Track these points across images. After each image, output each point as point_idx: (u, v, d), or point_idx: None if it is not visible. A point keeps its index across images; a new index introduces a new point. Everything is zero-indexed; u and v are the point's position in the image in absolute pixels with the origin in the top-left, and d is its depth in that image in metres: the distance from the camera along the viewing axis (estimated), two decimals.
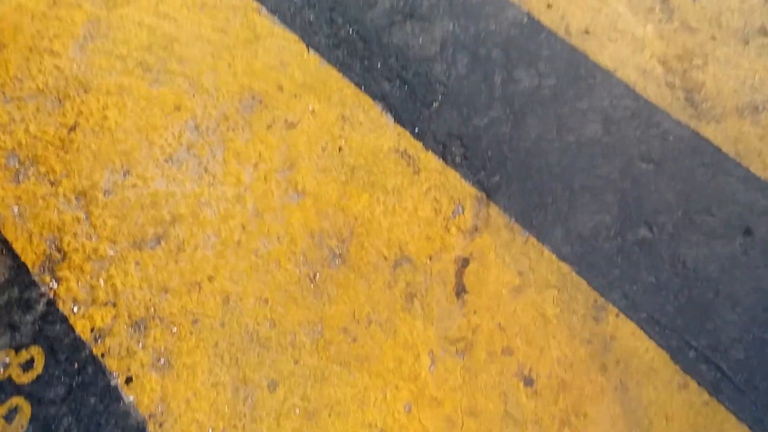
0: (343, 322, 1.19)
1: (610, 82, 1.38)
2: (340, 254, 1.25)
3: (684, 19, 1.44)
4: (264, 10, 1.53)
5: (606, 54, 1.41)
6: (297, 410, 1.11)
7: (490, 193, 1.29)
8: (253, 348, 1.16)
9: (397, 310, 1.20)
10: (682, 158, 1.30)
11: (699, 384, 1.11)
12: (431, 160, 1.33)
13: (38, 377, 1.13)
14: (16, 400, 1.11)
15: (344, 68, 1.45)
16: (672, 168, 1.29)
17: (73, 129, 1.39)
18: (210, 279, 1.23)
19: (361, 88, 1.42)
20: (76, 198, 1.31)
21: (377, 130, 1.37)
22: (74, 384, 1.13)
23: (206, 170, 1.34)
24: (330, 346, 1.17)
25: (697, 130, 1.32)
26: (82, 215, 1.30)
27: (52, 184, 1.32)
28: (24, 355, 1.15)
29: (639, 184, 1.28)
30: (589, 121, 1.34)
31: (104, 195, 1.31)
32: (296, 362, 1.15)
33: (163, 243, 1.27)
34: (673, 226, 1.24)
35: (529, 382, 1.12)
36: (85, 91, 1.43)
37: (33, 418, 1.10)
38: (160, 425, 1.09)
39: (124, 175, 1.33)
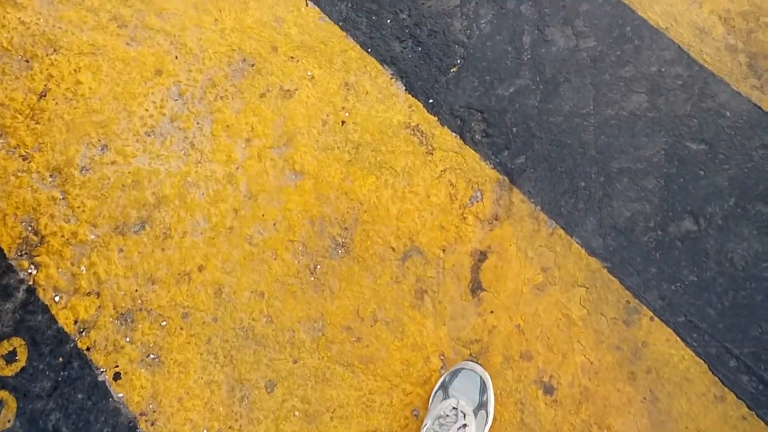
0: (346, 319, 1.30)
1: (660, 43, 1.41)
2: (342, 244, 1.35)
3: None
4: None
5: (657, 9, 1.44)
6: (296, 412, 1.24)
7: (513, 176, 1.37)
8: (248, 345, 1.29)
9: (406, 307, 1.31)
10: (740, 138, 1.34)
11: (738, 396, 1.21)
12: (447, 138, 1.40)
13: (22, 370, 1.28)
14: (1, 394, 1.27)
15: (348, 25, 1.50)
16: (727, 149, 1.34)
17: (43, 95, 1.48)
18: (200, 269, 1.35)
19: (367, 50, 1.47)
20: (50, 175, 1.42)
21: (386, 101, 1.44)
22: (60, 379, 1.28)
23: (193, 145, 1.43)
24: (332, 345, 1.29)
25: (760, 103, 1.36)
26: (58, 195, 1.41)
27: (24, 159, 1.43)
28: (6, 346, 1.30)
29: (686, 168, 1.34)
30: (632, 91, 1.39)
31: (81, 172, 1.42)
32: (295, 362, 1.28)
33: (147, 228, 1.38)
34: (723, 217, 1.30)
35: (548, 389, 1.24)
36: (55, 51, 1.51)
37: (19, 413, 1.26)
38: (152, 424, 1.24)
39: (102, 150, 1.43)
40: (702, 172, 1.33)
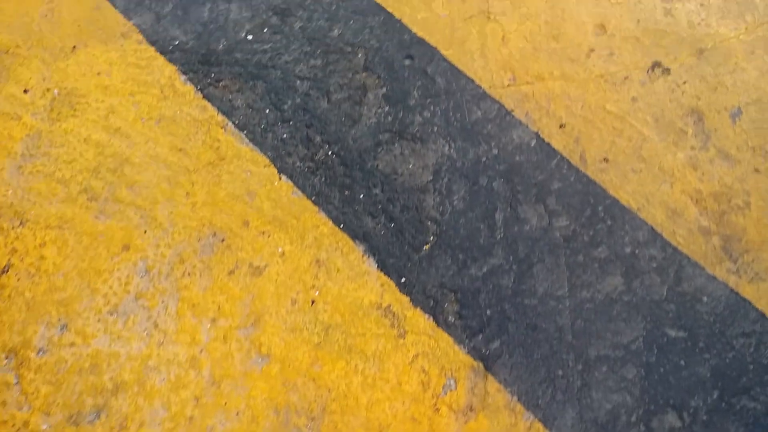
0: None
1: (633, 224, 1.58)
2: None
3: (722, 146, 1.65)
4: (230, 125, 1.77)
5: (628, 188, 1.62)
6: None
7: (488, 362, 1.48)
8: None
9: None
10: (719, 325, 1.47)
11: None
12: (419, 320, 1.52)
13: None
14: None
15: (321, 199, 1.67)
16: (706, 337, 1.46)
17: (5, 271, 1.62)
18: None
19: (340, 226, 1.64)
20: (6, 357, 1.52)
21: (357, 279, 1.58)
22: None
23: (156, 326, 1.54)
24: None
25: (737, 288, 1.50)
26: (12, 379, 1.50)
27: None
28: None
29: (666, 357, 1.45)
30: (607, 273, 1.54)
31: (38, 354, 1.52)
32: None
33: (103, 417, 1.46)
34: (707, 412, 1.40)
35: None
36: (21, 224, 1.67)
37: None
38: None
39: (61, 330, 1.54)
40: (683, 362, 1.44)
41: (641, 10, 1.89)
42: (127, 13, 1.99)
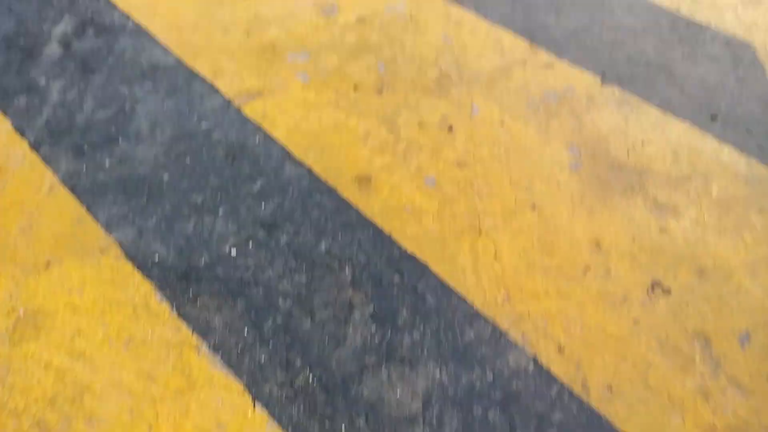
0: None
1: None
2: None
3: (733, 374, 1.69)
4: (204, 347, 1.83)
5: (636, 421, 1.63)
6: None
7: None
8: None
9: None
10: None
11: None
12: None
13: None
14: None
15: None
16: None
17: None
18: None
19: None
20: None
21: None
22: None
23: None
24: None
25: None
26: None
27: None
28: None
29: None
30: None
31: None
32: None
33: None
34: None
35: None
36: None
37: None
38: None
39: None
40: None
41: (636, 226, 2.05)
42: (109, 227, 2.15)
